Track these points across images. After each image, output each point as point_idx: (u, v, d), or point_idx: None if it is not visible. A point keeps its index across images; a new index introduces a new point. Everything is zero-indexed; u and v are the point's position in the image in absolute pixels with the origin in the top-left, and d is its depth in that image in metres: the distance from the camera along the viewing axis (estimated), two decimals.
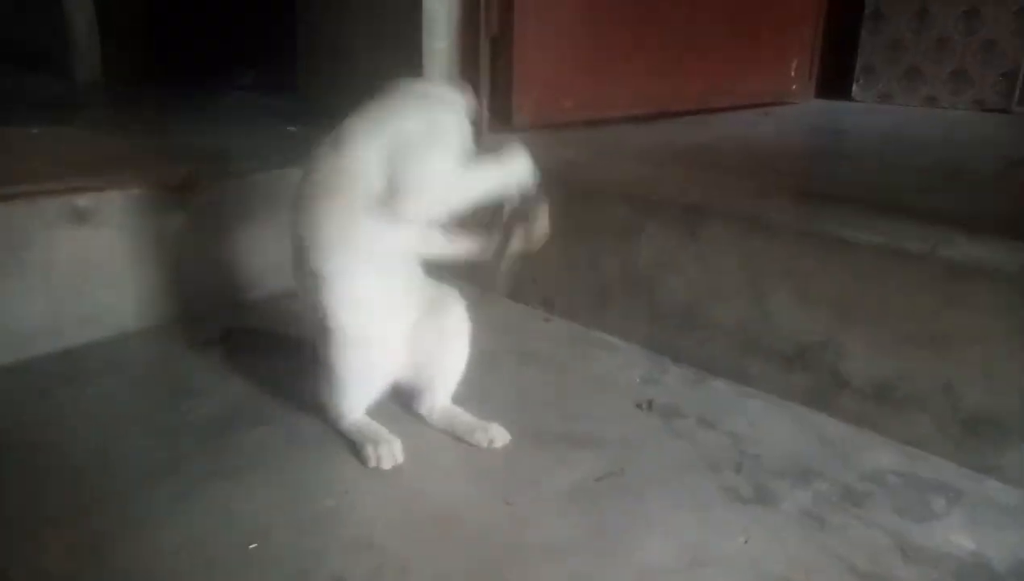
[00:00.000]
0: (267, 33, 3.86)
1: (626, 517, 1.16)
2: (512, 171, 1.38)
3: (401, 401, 1.41)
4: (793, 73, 3.23)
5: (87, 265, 1.55)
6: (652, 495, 1.22)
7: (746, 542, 1.12)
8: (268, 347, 1.59)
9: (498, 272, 1.38)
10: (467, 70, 2.08)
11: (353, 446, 1.28)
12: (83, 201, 1.53)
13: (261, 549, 1.06)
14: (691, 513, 1.18)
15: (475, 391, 1.49)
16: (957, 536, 1.13)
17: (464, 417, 1.37)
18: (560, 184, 1.82)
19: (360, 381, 1.31)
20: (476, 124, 2.12)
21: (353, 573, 1.02)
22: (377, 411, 1.35)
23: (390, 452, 1.25)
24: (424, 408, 1.39)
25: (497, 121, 2.18)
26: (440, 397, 1.39)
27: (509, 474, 1.25)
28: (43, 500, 1.15)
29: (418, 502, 1.18)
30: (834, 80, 3.36)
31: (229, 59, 3.75)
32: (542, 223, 1.40)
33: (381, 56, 2.13)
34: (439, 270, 1.43)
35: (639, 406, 1.47)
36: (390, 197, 1.22)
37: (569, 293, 1.83)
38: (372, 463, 1.24)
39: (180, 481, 1.19)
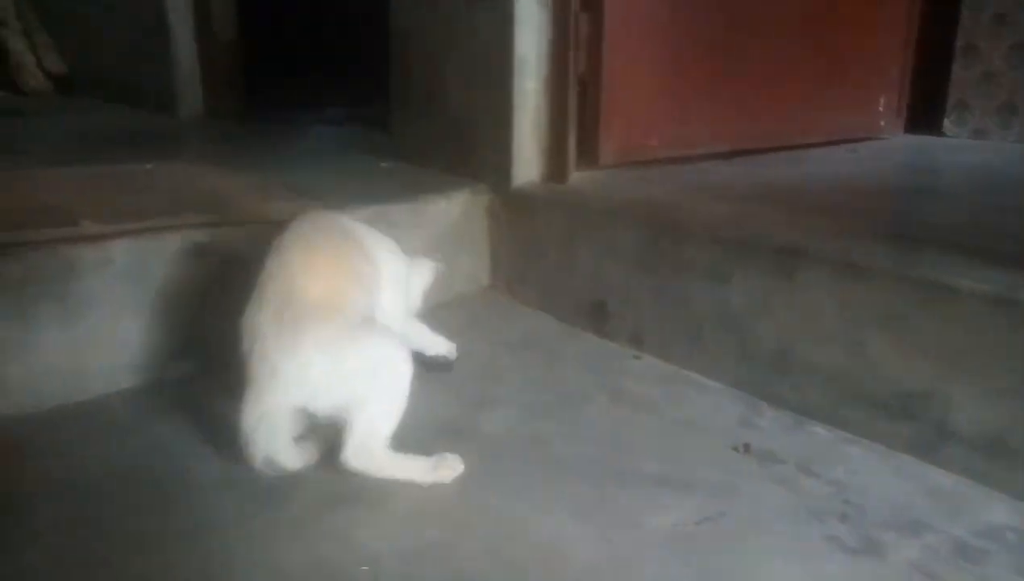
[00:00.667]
0: (357, 72, 4.03)
1: (729, 563, 1.15)
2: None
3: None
4: (881, 108, 3.17)
5: (203, 296, 1.63)
6: (754, 541, 1.20)
7: None
8: None
9: None
10: (556, 109, 2.12)
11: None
12: (200, 236, 1.62)
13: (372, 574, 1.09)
14: (797, 563, 1.16)
15: (565, 428, 1.51)
16: None
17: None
18: (648, 223, 1.85)
19: None
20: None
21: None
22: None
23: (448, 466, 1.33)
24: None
25: (583, 160, 2.21)
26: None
27: (607, 512, 1.26)
28: (172, 516, 1.21)
29: (521, 537, 1.19)
30: (924, 115, 3.28)
31: (319, 97, 3.92)
32: None
33: (473, 95, 2.19)
34: None
35: (735, 449, 1.46)
36: None
37: (660, 331, 1.83)
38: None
39: (297, 506, 1.24)
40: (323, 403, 1.29)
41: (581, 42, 2.09)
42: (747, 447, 1.47)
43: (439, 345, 1.65)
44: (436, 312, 1.76)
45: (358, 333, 1.31)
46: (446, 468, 1.33)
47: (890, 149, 3.05)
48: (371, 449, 1.30)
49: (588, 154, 2.20)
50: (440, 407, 1.53)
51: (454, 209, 2.14)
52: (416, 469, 1.32)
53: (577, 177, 2.19)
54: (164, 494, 1.28)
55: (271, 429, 1.25)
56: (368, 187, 2.19)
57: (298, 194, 1.95)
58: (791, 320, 1.59)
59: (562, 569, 1.13)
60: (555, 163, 2.16)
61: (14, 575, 1.09)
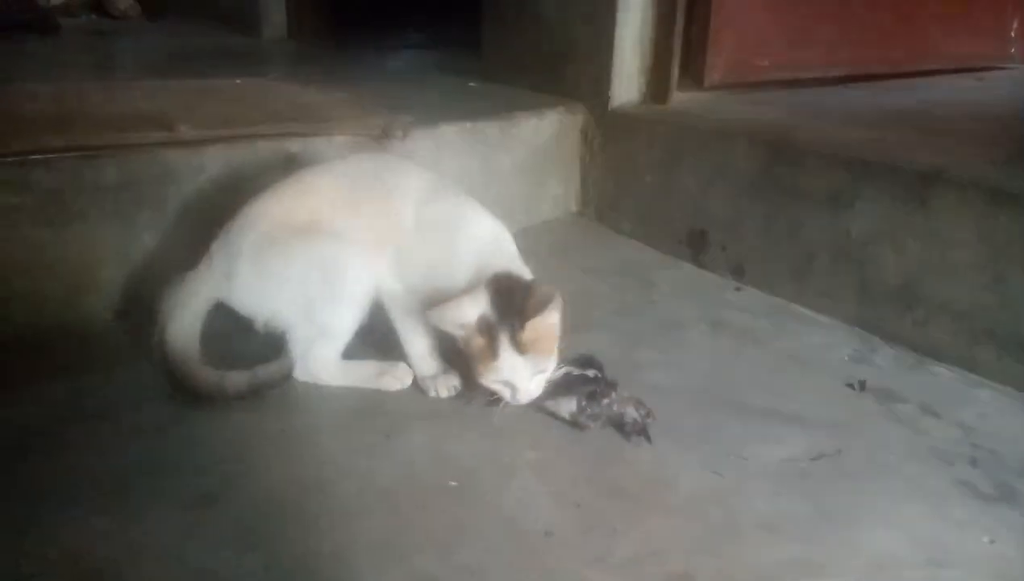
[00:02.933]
0: None
1: (848, 502, 1.07)
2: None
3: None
4: (1013, 34, 2.88)
5: None
6: (875, 482, 1.11)
7: (992, 543, 1.00)
8: None
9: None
10: (662, 23, 1.98)
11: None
12: (294, 146, 1.58)
13: (465, 489, 1.06)
14: (923, 505, 1.07)
15: (666, 356, 1.43)
16: None
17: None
18: (761, 145, 1.72)
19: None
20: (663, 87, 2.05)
21: (563, 528, 0.99)
22: None
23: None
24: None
25: (686, 80, 2.07)
26: None
27: (711, 442, 1.18)
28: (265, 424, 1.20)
29: (620, 463, 1.14)
30: None
31: (404, 21, 3.83)
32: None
33: (572, 9, 2.06)
34: None
35: (850, 386, 1.36)
36: None
37: (765, 262, 1.72)
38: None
39: (388, 422, 1.21)
40: (248, 302, 1.27)
41: None
42: (863, 384, 1.36)
43: (417, 366, 1.31)
44: (521, 237, 1.69)
45: (295, 238, 1.24)
46: (390, 377, 1.29)
47: (1021, 78, 2.77)
48: (316, 358, 1.27)
49: (692, 74, 2.06)
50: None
51: (546, 128, 2.04)
52: (361, 376, 1.30)
53: (678, 99, 2.05)
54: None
55: (185, 314, 1.24)
56: (458, 104, 2.11)
57: (389, 109, 1.89)
58: (920, 251, 1.45)
59: (665, 497, 1.07)
60: (657, 82, 2.03)
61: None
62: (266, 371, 1.26)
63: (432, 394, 1.28)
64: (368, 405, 1.25)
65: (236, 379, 1.23)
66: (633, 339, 1.49)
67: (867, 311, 1.54)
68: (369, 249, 1.27)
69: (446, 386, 1.28)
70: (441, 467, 1.11)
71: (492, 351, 1.13)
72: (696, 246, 1.86)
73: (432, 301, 1.17)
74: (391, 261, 1.28)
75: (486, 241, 1.27)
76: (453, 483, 1.07)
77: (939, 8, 2.57)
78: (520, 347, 1.12)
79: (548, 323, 1.14)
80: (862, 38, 2.39)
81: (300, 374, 1.28)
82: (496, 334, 1.12)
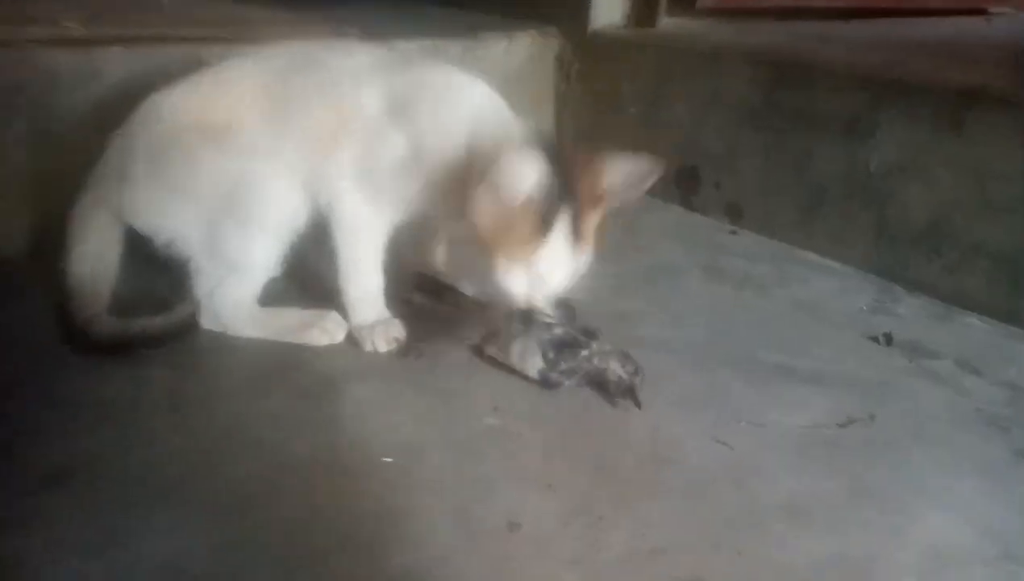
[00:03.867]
0: None
1: (889, 478, 0.85)
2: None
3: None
4: None
5: None
6: (919, 453, 0.90)
7: None
8: None
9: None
10: None
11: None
12: (209, 54, 1.31)
13: (404, 468, 0.81)
14: (981, 481, 0.85)
15: (656, 306, 1.20)
16: None
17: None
18: (764, 66, 1.48)
19: None
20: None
21: (532, 518, 0.76)
22: None
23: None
24: None
25: (677, 4, 1.82)
26: None
27: (718, 407, 0.96)
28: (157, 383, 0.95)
29: (605, 435, 0.90)
30: None
31: None
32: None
33: None
34: None
35: (874, 340, 1.14)
36: None
37: (765, 201, 1.49)
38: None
39: (310, 382, 0.96)
40: (142, 216, 1.01)
41: None
42: (889, 338, 1.15)
43: (356, 309, 1.06)
44: None
45: (203, 143, 0.98)
46: (318, 330, 1.04)
47: None
48: (224, 301, 1.02)
49: None
50: None
51: (517, 52, 1.78)
52: (281, 326, 1.04)
53: (666, 24, 1.81)
54: None
55: (87, 239, 1.02)
56: (418, 24, 1.84)
57: (334, 26, 1.62)
58: (953, 184, 1.24)
59: (663, 476, 0.84)
60: (644, 3, 1.77)
61: None
62: (172, 316, 1.01)
63: (368, 347, 1.03)
64: (286, 362, 1.00)
65: (140, 326, 0.98)
66: (617, 287, 1.25)
67: (886, 255, 1.33)
68: (311, 157, 1.00)
69: (386, 337, 1.04)
70: (375, 439, 0.86)
71: (539, 233, 0.88)
72: (686, 185, 1.62)
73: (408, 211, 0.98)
74: (347, 167, 1.01)
75: (481, 106, 1.00)
76: (388, 459, 0.82)
77: None
78: (579, 234, 0.91)
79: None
80: None
81: (205, 321, 1.03)
82: (553, 212, 0.88)
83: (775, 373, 1.04)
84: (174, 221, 1.00)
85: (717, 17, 1.90)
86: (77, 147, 1.20)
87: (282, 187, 1.00)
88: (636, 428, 0.91)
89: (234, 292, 1.02)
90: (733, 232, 1.52)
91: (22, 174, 1.20)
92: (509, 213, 0.88)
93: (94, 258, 1.02)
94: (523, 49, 1.79)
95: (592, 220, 0.95)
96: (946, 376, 1.06)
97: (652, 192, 1.64)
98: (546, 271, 0.93)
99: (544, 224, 0.89)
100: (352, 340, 1.04)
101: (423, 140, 0.98)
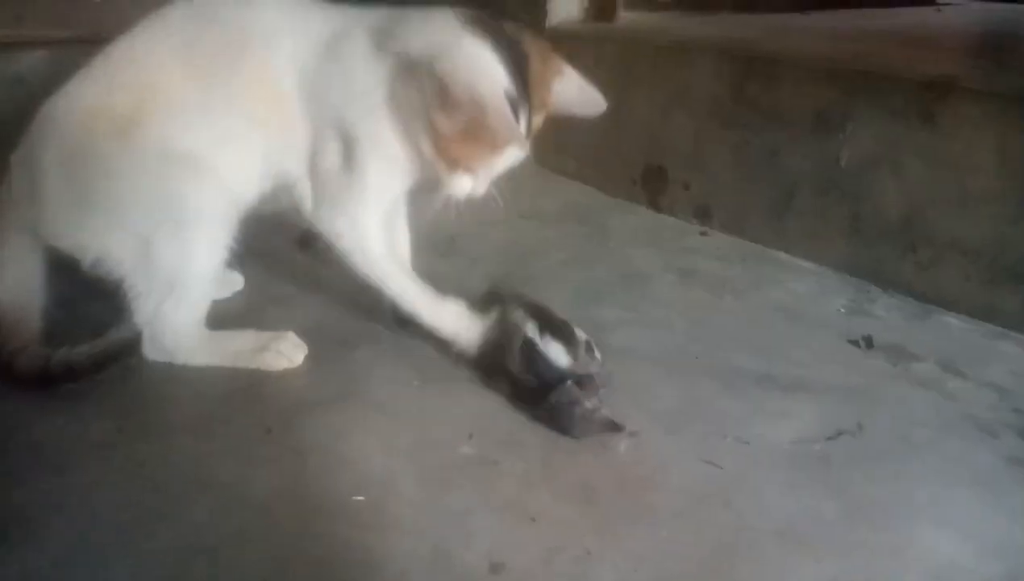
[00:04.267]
0: None
1: (884, 493, 0.82)
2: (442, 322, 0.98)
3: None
4: None
5: None
6: (911, 463, 0.87)
7: None
8: None
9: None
10: None
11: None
12: None
13: (376, 506, 0.75)
14: (976, 492, 0.83)
15: (631, 313, 1.16)
16: None
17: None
18: (730, 60, 1.45)
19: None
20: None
21: (516, 557, 0.70)
22: None
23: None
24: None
25: None
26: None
27: (702, 421, 0.91)
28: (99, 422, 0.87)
29: (587, 455, 0.85)
30: None
31: None
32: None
33: None
34: None
35: (854, 343, 1.11)
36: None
37: (735, 201, 1.46)
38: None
39: (269, 412, 0.89)
40: (64, 238, 0.91)
41: None
42: (869, 341, 1.12)
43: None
44: None
45: (113, 141, 0.86)
46: (274, 353, 0.96)
47: (978, 11, 2.60)
48: (167, 326, 0.92)
49: None
50: (476, 284, 1.16)
51: None
52: (235, 351, 0.96)
53: (627, 18, 1.77)
54: None
55: (8, 259, 0.93)
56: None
57: None
58: (927, 178, 1.21)
59: (651, 500, 0.79)
60: None
61: None
62: (105, 342, 0.91)
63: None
64: (243, 389, 0.92)
65: (66, 356, 0.88)
66: (591, 294, 1.21)
67: (861, 254, 1.30)
68: (238, 145, 0.91)
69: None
70: (342, 473, 0.80)
71: (505, 140, 0.83)
72: (653, 186, 1.58)
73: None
74: (319, 194, 0.94)
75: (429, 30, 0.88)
76: (359, 497, 0.76)
77: None
78: (529, 133, 0.86)
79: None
80: None
81: (149, 350, 0.94)
82: (516, 112, 0.83)
83: (757, 382, 1.00)
84: (97, 238, 0.90)
85: (676, 10, 1.87)
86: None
87: (215, 175, 0.90)
88: (619, 446, 0.86)
89: (177, 314, 0.93)
90: (704, 233, 1.49)
91: None
92: (477, 128, 0.81)
93: (15, 286, 0.93)
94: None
95: (539, 121, 0.91)
96: (930, 380, 1.03)
97: (618, 194, 1.63)
98: (495, 172, 0.90)
99: (509, 134, 0.82)
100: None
101: (356, 95, 0.89)
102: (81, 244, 0.90)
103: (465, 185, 0.89)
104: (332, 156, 0.93)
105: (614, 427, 0.86)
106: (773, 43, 1.50)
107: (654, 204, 1.59)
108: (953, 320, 1.19)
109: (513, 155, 0.89)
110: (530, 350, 0.91)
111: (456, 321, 0.97)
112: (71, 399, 0.88)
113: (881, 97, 1.24)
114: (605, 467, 0.83)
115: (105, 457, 0.80)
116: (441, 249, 1.28)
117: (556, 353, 0.91)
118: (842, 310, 1.21)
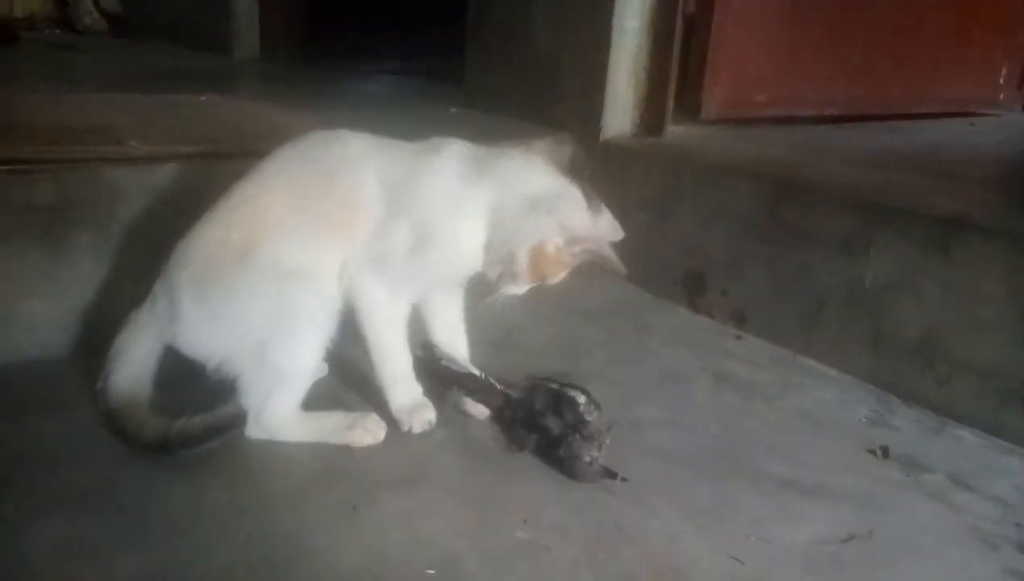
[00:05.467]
0: (419, 18, 3.80)
1: None
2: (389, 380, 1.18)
3: None
4: (1002, 81, 2.85)
5: None
6: (916, 569, 0.98)
7: None
8: None
9: None
10: (658, 52, 1.87)
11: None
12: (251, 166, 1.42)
13: (445, 578, 0.89)
14: None
15: (667, 413, 1.29)
16: None
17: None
18: (766, 183, 1.60)
19: None
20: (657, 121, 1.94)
21: None
22: None
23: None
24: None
25: (681, 112, 1.96)
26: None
27: (728, 520, 1.04)
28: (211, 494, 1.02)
29: (626, 545, 0.98)
30: None
31: (380, 47, 3.71)
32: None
33: (562, 35, 1.95)
34: None
35: (872, 453, 1.23)
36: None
37: (769, 309, 1.59)
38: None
39: (356, 489, 1.04)
40: (195, 347, 1.10)
41: None
42: (886, 451, 1.23)
43: (393, 391, 1.17)
44: None
45: (234, 268, 1.06)
46: (360, 430, 1.12)
47: (1012, 125, 2.73)
48: (272, 411, 1.10)
49: (688, 106, 1.95)
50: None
51: None
52: (325, 430, 1.13)
53: (673, 132, 1.94)
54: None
55: (130, 360, 1.11)
56: (438, 130, 1.96)
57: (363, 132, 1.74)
58: (942, 303, 1.34)
59: None
60: (652, 114, 1.91)
61: None
62: (214, 416, 1.08)
63: (405, 428, 1.15)
64: (332, 467, 1.08)
65: (184, 427, 1.06)
66: (632, 393, 1.35)
67: (882, 366, 1.42)
68: (329, 257, 1.10)
69: (421, 421, 1.15)
70: (417, 549, 0.94)
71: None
72: (693, 289, 1.73)
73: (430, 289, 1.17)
74: (364, 259, 1.11)
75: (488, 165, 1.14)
76: (431, 571, 0.90)
77: (932, 51, 2.52)
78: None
79: None
80: (857, 78, 2.32)
81: (254, 430, 1.11)
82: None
83: (780, 485, 1.12)
84: (221, 346, 1.09)
85: (721, 125, 2.04)
86: (134, 255, 1.32)
87: (312, 295, 1.09)
88: (654, 539, 0.99)
89: (282, 402, 1.10)
90: (738, 337, 1.62)
91: (87, 280, 1.29)
92: (570, 254, 1.09)
93: (137, 376, 1.11)
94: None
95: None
96: (939, 491, 1.14)
97: (660, 294, 1.77)
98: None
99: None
100: (392, 422, 1.14)
101: (428, 228, 1.10)
102: (209, 352, 1.09)
103: (524, 288, 1.11)
104: (399, 240, 1.10)
105: (610, 475, 1.06)
106: (804, 167, 1.65)
107: (693, 306, 1.73)
108: (965, 434, 1.30)
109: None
110: (557, 397, 1.11)
111: (406, 401, 1.16)
112: (190, 471, 1.04)
113: (902, 227, 1.38)
114: (642, 556, 0.96)
115: (220, 527, 0.95)
116: (498, 343, 1.43)
117: (578, 396, 1.11)
118: (863, 420, 1.33)
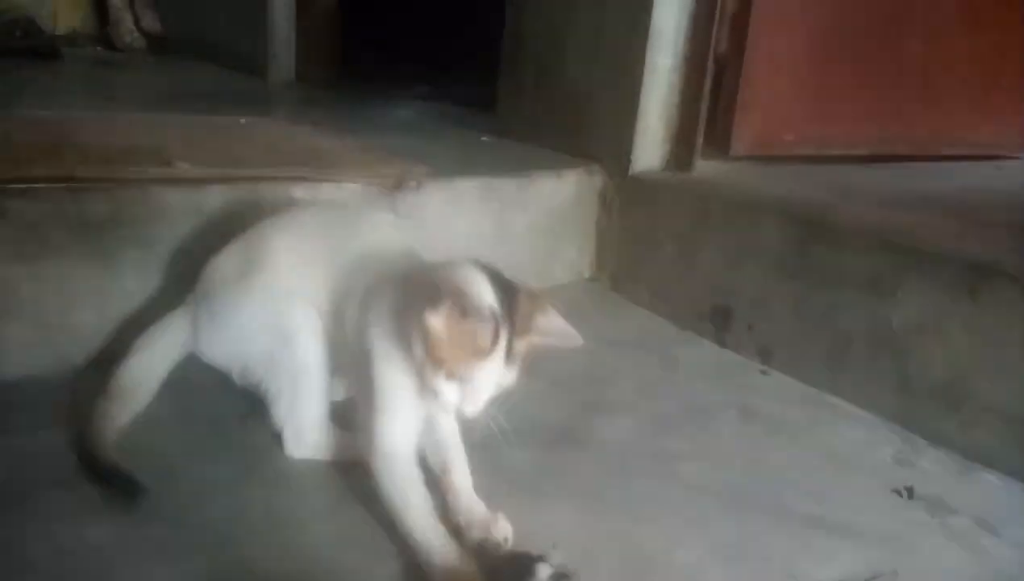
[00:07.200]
0: (448, 47, 3.89)
1: None
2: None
3: None
4: None
5: None
6: None
7: None
8: None
9: None
10: (690, 90, 1.91)
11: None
12: (300, 191, 1.47)
13: None
14: None
15: (693, 446, 1.31)
16: None
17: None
18: (795, 222, 1.63)
19: None
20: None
21: None
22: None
23: None
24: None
25: (710, 149, 1.99)
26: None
27: (755, 555, 1.05)
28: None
29: (655, 573, 0.99)
30: None
31: (413, 74, 3.79)
32: None
33: (596, 70, 1.99)
34: None
35: (897, 492, 1.23)
36: None
37: (795, 346, 1.60)
38: None
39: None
40: (221, 360, 1.20)
41: (725, 18, 1.88)
42: (911, 491, 1.24)
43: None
44: None
45: (248, 290, 1.15)
46: None
47: None
48: (307, 425, 1.14)
49: (717, 143, 1.98)
50: (551, 409, 1.34)
51: (565, 189, 1.95)
52: (353, 446, 1.12)
53: (701, 168, 1.97)
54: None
55: (142, 359, 1.19)
56: (472, 158, 2.02)
57: (401, 159, 1.79)
58: (968, 346, 1.35)
59: None
60: (682, 149, 1.94)
61: None
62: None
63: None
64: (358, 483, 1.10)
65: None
66: (657, 424, 1.37)
67: (909, 407, 1.43)
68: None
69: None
70: None
71: (485, 348, 0.94)
72: (719, 323, 1.75)
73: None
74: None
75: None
76: None
77: (961, 94, 2.53)
78: (511, 353, 0.97)
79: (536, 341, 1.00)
80: (885, 119, 2.34)
81: (294, 449, 1.15)
82: (498, 330, 0.94)
83: (806, 522, 1.13)
84: (239, 356, 1.18)
85: (749, 162, 2.07)
86: (176, 273, 1.37)
87: (307, 302, 1.15)
88: (679, 570, 1.00)
89: (305, 410, 1.14)
90: (764, 372, 1.63)
91: (131, 295, 1.34)
92: (461, 330, 0.93)
93: (140, 377, 1.18)
94: (570, 186, 1.96)
95: (522, 347, 0.99)
96: (964, 533, 1.15)
97: (687, 327, 1.79)
98: (480, 382, 0.97)
99: (490, 342, 0.94)
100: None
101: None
102: (229, 362, 1.19)
103: (452, 393, 0.97)
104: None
105: None
106: (833, 207, 1.67)
107: (720, 340, 1.75)
108: (992, 478, 1.30)
109: (494, 372, 0.96)
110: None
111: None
112: (234, 484, 1.07)
113: (929, 270, 1.40)
114: None
115: (264, 539, 0.99)
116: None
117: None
118: (889, 460, 1.33)
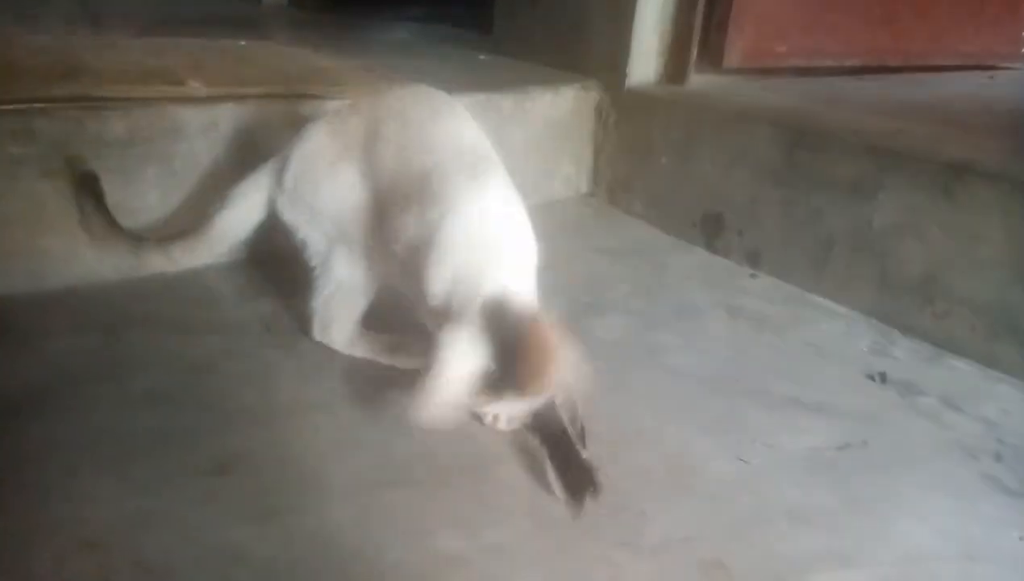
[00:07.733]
0: None
1: (876, 493, 1.05)
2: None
3: None
4: (1023, 35, 2.87)
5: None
6: (902, 474, 1.10)
7: (1022, 539, 0.99)
8: None
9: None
10: (682, 4, 1.94)
11: None
12: (307, 108, 1.53)
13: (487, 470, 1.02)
14: (951, 499, 1.05)
15: (682, 342, 1.40)
16: None
17: None
18: (784, 129, 1.69)
19: None
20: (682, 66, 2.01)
21: (590, 509, 0.96)
22: None
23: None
24: None
25: (704, 62, 2.03)
26: None
27: (737, 429, 1.16)
28: (279, 396, 1.16)
29: (647, 445, 1.11)
30: None
31: None
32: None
33: None
34: None
35: (871, 378, 1.34)
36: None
37: (782, 249, 1.69)
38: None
39: None
40: (289, 217, 1.22)
41: None
42: (883, 376, 1.34)
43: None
44: (531, 216, 1.64)
45: (328, 170, 1.18)
46: (405, 354, 1.20)
47: None
48: (336, 315, 1.21)
49: (711, 56, 2.02)
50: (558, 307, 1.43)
51: (562, 104, 2.00)
52: (380, 347, 1.23)
53: (695, 81, 2.02)
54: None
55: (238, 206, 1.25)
56: (471, 75, 2.06)
57: (402, 76, 1.83)
58: (944, 243, 1.43)
59: (692, 481, 1.04)
60: (676, 62, 1.99)
61: None
62: None
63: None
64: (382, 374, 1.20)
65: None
66: (649, 322, 1.47)
67: (886, 303, 1.52)
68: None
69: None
70: (457, 445, 1.07)
71: (493, 396, 0.99)
72: (710, 230, 1.83)
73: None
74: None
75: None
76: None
77: (954, 4, 2.55)
78: (523, 396, 0.99)
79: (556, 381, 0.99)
80: (877, 29, 2.37)
81: (318, 333, 1.24)
82: (500, 386, 0.97)
83: (785, 403, 1.24)
84: (306, 229, 1.21)
85: (742, 74, 2.11)
86: (196, 187, 1.44)
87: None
88: (670, 443, 1.11)
89: (341, 309, 1.22)
90: (753, 275, 1.72)
91: (153, 210, 1.42)
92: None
93: (241, 220, 1.26)
94: (566, 101, 2.01)
95: (535, 392, 0.99)
96: (931, 411, 1.26)
97: (679, 235, 1.87)
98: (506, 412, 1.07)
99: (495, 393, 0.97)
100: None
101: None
102: (296, 224, 1.22)
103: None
104: None
105: None
106: (821, 116, 1.73)
107: (710, 246, 1.83)
108: (960, 364, 1.40)
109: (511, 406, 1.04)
110: None
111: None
112: (262, 373, 1.18)
113: (908, 172, 1.47)
114: (660, 455, 1.08)
115: (285, 419, 1.09)
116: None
117: None
118: (865, 350, 1.44)
